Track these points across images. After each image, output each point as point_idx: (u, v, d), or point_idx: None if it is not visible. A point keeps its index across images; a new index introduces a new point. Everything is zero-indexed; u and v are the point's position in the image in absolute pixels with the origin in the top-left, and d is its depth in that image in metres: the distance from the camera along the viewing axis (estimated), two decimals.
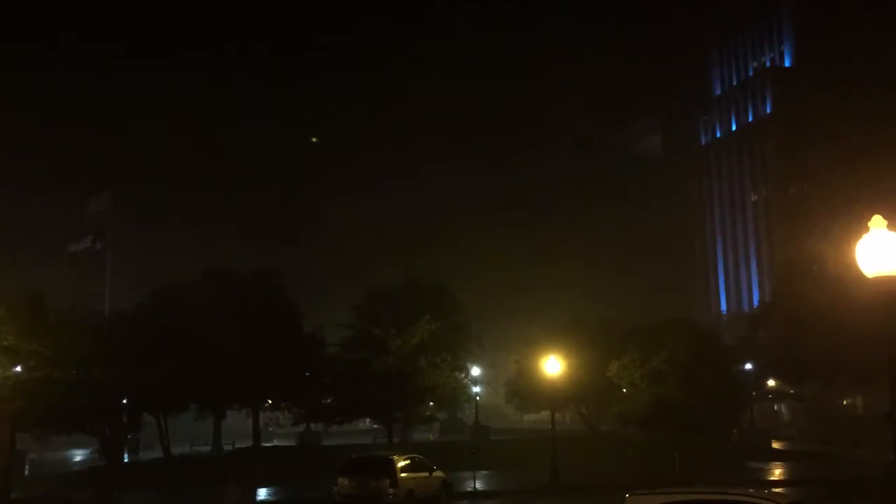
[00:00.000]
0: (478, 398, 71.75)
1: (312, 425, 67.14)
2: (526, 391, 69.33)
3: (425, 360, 55.40)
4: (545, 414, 69.68)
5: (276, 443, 74.65)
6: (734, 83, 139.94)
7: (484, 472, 38.73)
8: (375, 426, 69.25)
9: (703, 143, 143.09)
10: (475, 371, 68.20)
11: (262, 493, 36.82)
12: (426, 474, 30.89)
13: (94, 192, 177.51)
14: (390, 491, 28.50)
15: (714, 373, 52.21)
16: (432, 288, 66.13)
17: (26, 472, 47.27)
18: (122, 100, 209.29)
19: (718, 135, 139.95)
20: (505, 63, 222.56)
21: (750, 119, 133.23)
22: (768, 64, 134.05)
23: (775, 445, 60.20)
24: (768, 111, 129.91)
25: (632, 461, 41.84)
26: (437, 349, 56.96)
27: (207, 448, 64.82)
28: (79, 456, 67.66)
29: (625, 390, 55.83)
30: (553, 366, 37.24)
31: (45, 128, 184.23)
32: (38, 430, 50.45)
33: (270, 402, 65.57)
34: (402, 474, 29.22)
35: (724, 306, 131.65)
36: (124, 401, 53.29)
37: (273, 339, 54.29)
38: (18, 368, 42.94)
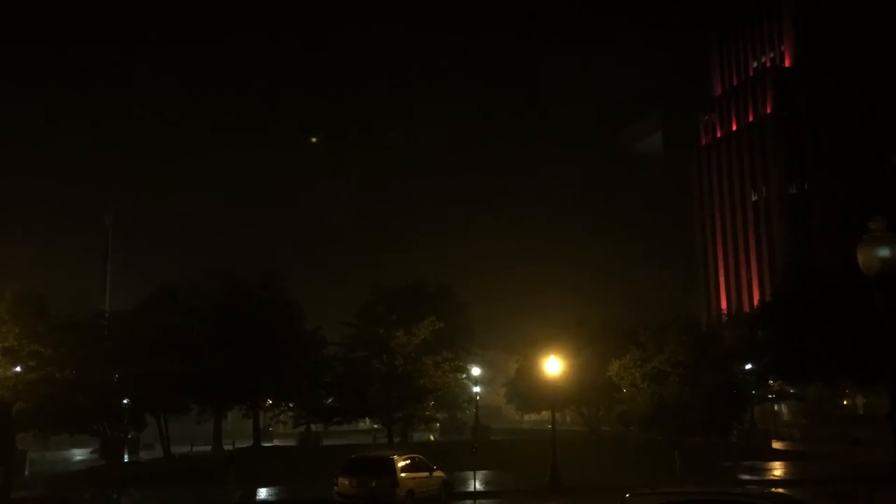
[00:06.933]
0: (478, 398, 71.76)
1: (313, 425, 67.15)
2: (526, 391, 69.43)
3: (427, 360, 55.44)
4: (545, 414, 69.83)
5: (276, 443, 74.65)
6: (734, 83, 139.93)
7: (484, 472, 38.70)
8: (375, 426, 69.27)
9: (704, 142, 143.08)
10: (475, 371, 68.22)
11: (262, 493, 36.79)
12: (426, 474, 30.87)
13: (95, 192, 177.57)
14: (390, 491, 28.48)
15: (715, 373, 52.16)
16: (437, 289, 66.17)
17: (26, 472, 47.20)
18: (124, 98, 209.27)
19: (718, 135, 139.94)
20: (505, 63, 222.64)
21: (750, 119, 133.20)
22: (768, 64, 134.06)
23: (775, 445, 60.16)
24: (768, 111, 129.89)
25: (632, 461, 41.83)
26: (438, 349, 56.99)
27: (208, 448, 64.81)
28: (79, 456, 67.61)
29: (625, 390, 55.81)
30: (553, 366, 37.20)
31: (46, 126, 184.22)
32: (38, 430, 50.53)
33: (270, 402, 65.62)
34: (402, 474, 29.20)
35: (724, 306, 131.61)
36: (124, 401, 53.29)
37: (274, 339, 54.31)
38: (18, 368, 42.89)
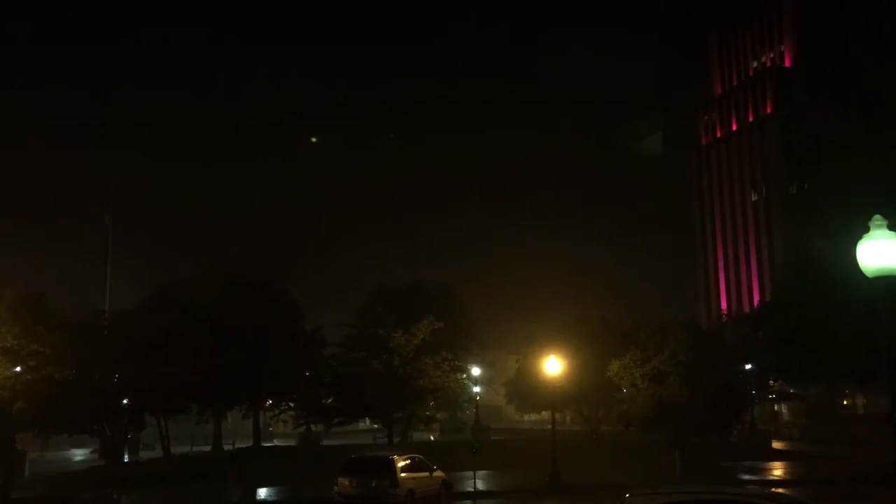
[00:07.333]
0: (478, 398, 71.71)
1: (313, 425, 67.15)
2: (526, 391, 69.45)
3: (427, 360, 55.39)
4: (545, 414, 69.83)
5: (276, 443, 74.67)
6: (734, 83, 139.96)
7: (484, 472, 38.70)
8: (375, 426, 69.28)
9: (704, 142, 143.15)
10: (475, 371, 68.16)
11: (262, 493, 36.79)
12: (426, 474, 30.87)
13: (95, 192, 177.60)
14: (390, 491, 28.48)
15: (715, 373, 52.12)
16: (437, 289, 66.05)
17: (26, 472, 47.18)
18: (124, 98, 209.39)
19: (718, 135, 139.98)
20: (504, 63, 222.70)
21: (750, 119, 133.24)
22: (768, 64, 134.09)
23: (775, 445, 60.15)
24: (768, 111, 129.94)
25: (632, 461, 41.81)
26: (438, 349, 56.94)
27: (208, 448, 64.88)
28: (79, 456, 67.63)
29: (625, 390, 55.77)
30: (553, 366, 37.20)
31: (46, 126, 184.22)
32: (38, 430, 50.49)
33: (270, 402, 65.61)
34: (402, 474, 29.19)
35: (724, 306, 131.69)
36: (124, 401, 53.28)
37: (274, 339, 54.29)
38: (18, 368, 42.91)
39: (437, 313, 57.05)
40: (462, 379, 64.28)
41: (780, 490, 30.31)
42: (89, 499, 37.06)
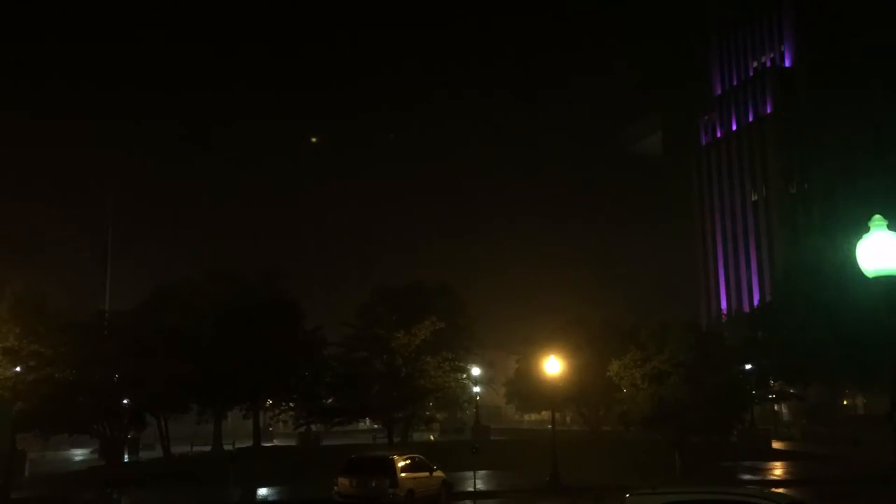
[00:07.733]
0: (478, 398, 71.70)
1: (313, 425, 67.17)
2: (526, 391, 69.50)
3: (428, 360, 55.39)
4: (545, 414, 69.95)
5: (276, 443, 74.66)
6: (734, 83, 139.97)
7: (484, 472, 38.69)
8: (375, 426, 69.24)
9: (704, 142, 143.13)
10: (475, 371, 68.13)
11: (262, 493, 36.79)
12: (426, 474, 30.85)
13: (95, 192, 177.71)
14: (390, 491, 28.46)
15: (715, 373, 52.11)
16: (437, 289, 66.03)
17: (26, 472, 47.19)
18: (125, 98, 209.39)
19: (718, 135, 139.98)
20: (504, 63, 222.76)
21: (750, 119, 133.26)
22: (768, 64, 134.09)
23: (775, 445, 60.12)
24: (768, 111, 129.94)
25: (632, 461, 41.81)
26: (438, 349, 56.92)
27: (208, 448, 64.88)
28: (79, 456, 67.63)
29: (625, 390, 55.77)
30: (553, 366, 37.19)
31: (47, 125, 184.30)
32: (38, 430, 50.49)
33: (271, 402, 65.63)
34: (402, 474, 29.17)
35: (724, 306, 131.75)
36: (124, 401, 53.31)
37: (274, 339, 54.31)
38: (18, 368, 42.92)
39: (438, 313, 57.00)
40: (462, 379, 64.28)
41: (780, 490, 30.31)
42: (89, 499, 37.06)
